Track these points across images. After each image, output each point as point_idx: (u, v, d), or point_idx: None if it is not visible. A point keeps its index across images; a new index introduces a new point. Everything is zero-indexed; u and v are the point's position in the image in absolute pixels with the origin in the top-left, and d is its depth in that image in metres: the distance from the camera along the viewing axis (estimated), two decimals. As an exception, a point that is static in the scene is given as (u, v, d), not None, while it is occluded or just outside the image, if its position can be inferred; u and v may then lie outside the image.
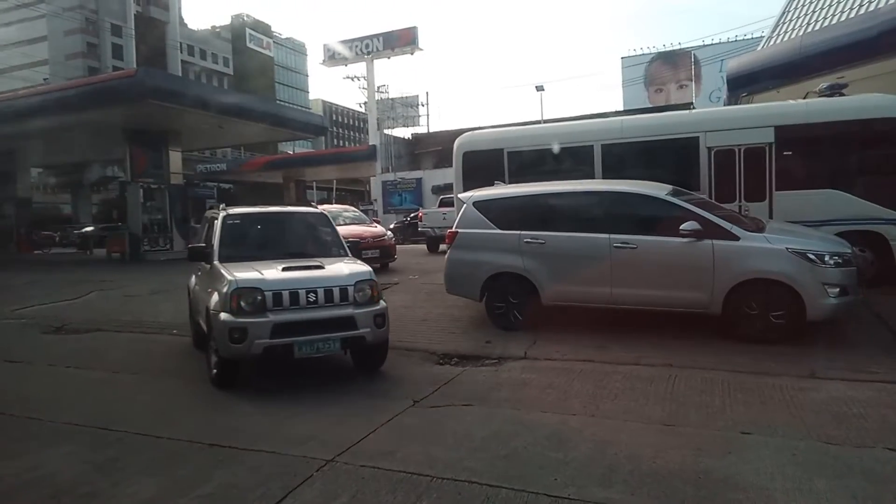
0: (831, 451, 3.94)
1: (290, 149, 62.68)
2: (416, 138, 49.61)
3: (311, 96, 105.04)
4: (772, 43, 21.51)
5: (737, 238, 6.73)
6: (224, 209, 7.00)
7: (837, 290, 6.45)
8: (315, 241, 7.16)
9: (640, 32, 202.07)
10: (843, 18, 18.23)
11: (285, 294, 5.58)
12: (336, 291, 5.75)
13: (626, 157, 10.64)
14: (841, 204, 9.22)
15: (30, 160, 31.43)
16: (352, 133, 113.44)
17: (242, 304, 5.50)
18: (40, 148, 27.64)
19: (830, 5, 19.78)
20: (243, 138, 34.05)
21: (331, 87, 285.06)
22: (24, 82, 49.54)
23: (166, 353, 7.86)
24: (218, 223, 6.65)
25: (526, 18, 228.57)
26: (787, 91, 15.47)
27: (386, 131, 46.43)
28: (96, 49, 68.44)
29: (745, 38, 46.07)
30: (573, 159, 11.04)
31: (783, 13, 22.48)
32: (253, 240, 6.96)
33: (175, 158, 24.79)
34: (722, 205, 8.39)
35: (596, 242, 7.32)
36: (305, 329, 5.58)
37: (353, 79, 46.98)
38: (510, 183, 10.71)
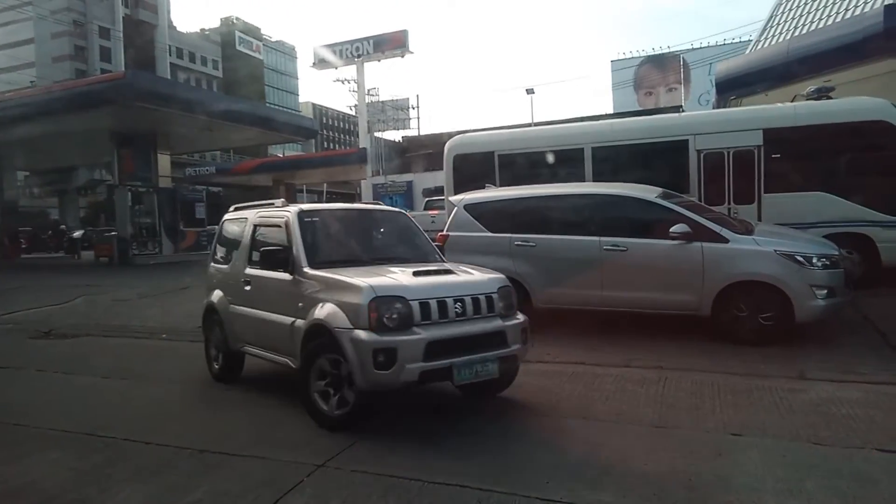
0: (821, 453, 3.96)
1: (279, 152, 62.52)
2: (407, 141, 49.66)
3: (302, 99, 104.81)
4: (760, 47, 21.70)
5: (726, 240, 6.76)
6: (283, 205, 5.90)
7: (825, 291, 6.50)
8: (406, 242, 6.06)
9: (630, 36, 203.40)
10: (829, 22, 18.41)
11: (433, 304, 4.51)
12: (483, 300, 4.77)
13: (616, 160, 10.68)
14: (828, 206, 9.29)
15: (16, 164, 31.17)
16: (342, 136, 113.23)
17: (384, 317, 4.36)
18: (26, 151, 27.41)
19: (817, 9, 19.98)
20: (233, 142, 33.98)
21: (321, 90, 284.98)
22: (9, 85, 49.06)
23: (155, 357, 7.81)
24: (293, 223, 5.40)
25: (516, 22, 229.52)
26: (776, 94, 15.59)
27: (376, 134, 46.45)
28: (84, 52, 67.97)
29: (734, 41, 46.50)
30: (564, 162, 11.08)
31: (771, 17, 22.69)
32: (340, 242, 5.84)
33: (163, 161, 24.70)
34: (711, 207, 8.44)
35: (587, 245, 7.34)
36: (461, 348, 4.55)
37: (343, 82, 47.04)
38: (501, 186, 10.72)
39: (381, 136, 47.46)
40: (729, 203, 9.82)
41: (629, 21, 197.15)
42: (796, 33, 19.71)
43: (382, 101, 50.24)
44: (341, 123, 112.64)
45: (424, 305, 4.48)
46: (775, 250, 6.64)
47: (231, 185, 48.97)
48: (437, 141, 24.92)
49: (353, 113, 55.59)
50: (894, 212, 9.06)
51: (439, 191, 17.77)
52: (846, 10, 18.37)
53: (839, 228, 9.05)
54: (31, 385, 6.70)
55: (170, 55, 73.32)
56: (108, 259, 23.02)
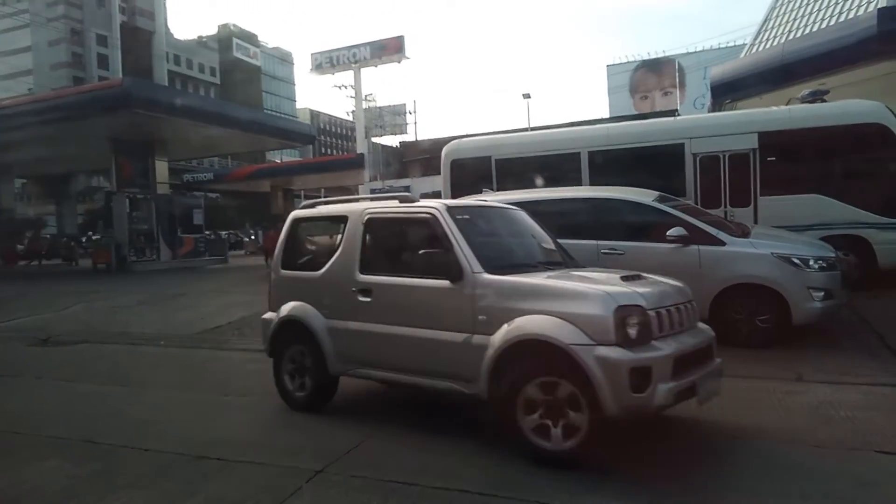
0: (820, 455, 3.97)
1: (277, 158, 62.56)
2: (404, 146, 49.64)
3: (299, 105, 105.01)
4: (754, 50, 21.83)
5: (723, 243, 6.78)
6: (407, 200, 5.12)
7: (822, 293, 6.52)
8: (542, 243, 5.41)
9: (625, 40, 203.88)
10: (824, 26, 18.53)
11: (664, 314, 3.98)
12: (692, 308, 4.37)
13: (612, 163, 10.71)
14: (824, 209, 9.32)
15: (14, 171, 31.15)
16: (340, 141, 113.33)
17: (629, 330, 3.76)
18: (24, 158, 27.40)
19: (811, 13, 20.11)
20: (231, 148, 34.00)
21: (318, 96, 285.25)
22: (7, 93, 49.10)
23: (154, 364, 7.79)
24: (446, 220, 4.58)
25: (512, 27, 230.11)
26: (770, 97, 15.66)
27: (374, 139, 46.46)
28: (81, 59, 68.12)
29: (729, 45, 46.74)
30: (560, 166, 11.11)
31: (765, 21, 22.83)
32: (497, 243, 5.09)
33: (161, 168, 24.71)
34: (707, 210, 8.46)
35: (584, 249, 7.32)
36: (695, 363, 4.03)
37: (340, 87, 47.04)
38: (498, 190, 10.74)
39: (378, 142, 47.49)
40: (725, 206, 9.85)
41: (624, 25, 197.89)
42: (791, 37, 19.84)
43: (380, 107, 50.28)
44: (339, 129, 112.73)
45: (659, 316, 3.94)
46: (772, 253, 6.66)
47: (229, 192, 49.05)
48: (435, 146, 24.95)
49: (351, 118, 55.63)
50: (890, 213, 9.10)
51: (437, 196, 17.80)
52: (840, 13, 18.50)
53: (835, 231, 9.08)
54: (29, 393, 6.68)
55: (167, 62, 73.46)
56: (106, 266, 22.99)
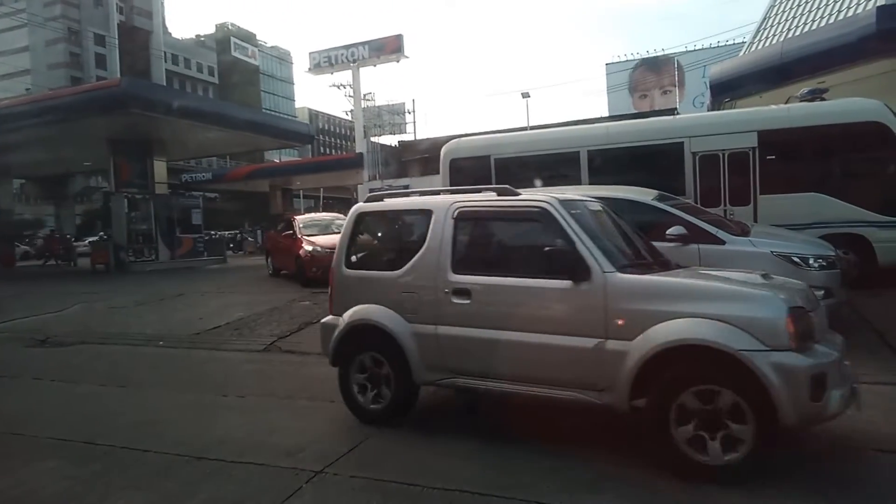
0: (820, 455, 3.98)
1: (276, 157, 62.50)
2: (403, 146, 49.61)
3: (298, 104, 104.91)
4: (753, 48, 21.83)
5: (722, 242, 6.78)
6: (505, 192, 4.61)
7: (822, 292, 6.49)
8: (645, 244, 5.06)
9: (624, 39, 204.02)
10: (822, 24, 18.53)
11: (814, 316, 3.80)
12: (823, 309, 4.23)
13: (612, 162, 10.71)
14: (824, 207, 9.32)
15: (11, 171, 31.10)
16: (338, 141, 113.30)
17: (801, 334, 3.53)
18: (22, 159, 27.35)
19: (810, 11, 20.11)
20: (229, 147, 33.94)
21: (317, 95, 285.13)
22: (5, 93, 49.03)
23: (152, 365, 7.78)
24: (562, 215, 4.21)
25: (511, 25, 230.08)
26: (770, 96, 15.66)
27: (372, 139, 46.41)
28: (79, 59, 67.96)
29: (727, 43, 46.65)
30: (560, 165, 11.11)
31: (764, 19, 22.83)
32: (612, 241, 4.60)
33: (159, 168, 24.66)
34: (707, 209, 8.46)
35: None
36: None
37: (339, 87, 47.00)
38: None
39: (377, 141, 47.46)
40: (725, 205, 9.85)
41: (623, 24, 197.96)
42: (790, 35, 19.83)
43: (378, 106, 50.27)
44: (337, 128, 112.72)
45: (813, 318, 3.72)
46: (772, 251, 6.66)
47: (227, 192, 49.02)
48: (434, 145, 24.96)
49: (350, 118, 55.62)
50: (889, 212, 9.10)
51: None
52: (839, 11, 18.50)
53: (835, 229, 9.08)
54: (28, 394, 6.67)
55: (165, 61, 73.37)
56: (104, 266, 22.95)
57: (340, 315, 5.00)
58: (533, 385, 4.16)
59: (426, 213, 4.77)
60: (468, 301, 4.39)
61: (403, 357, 4.61)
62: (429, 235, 4.66)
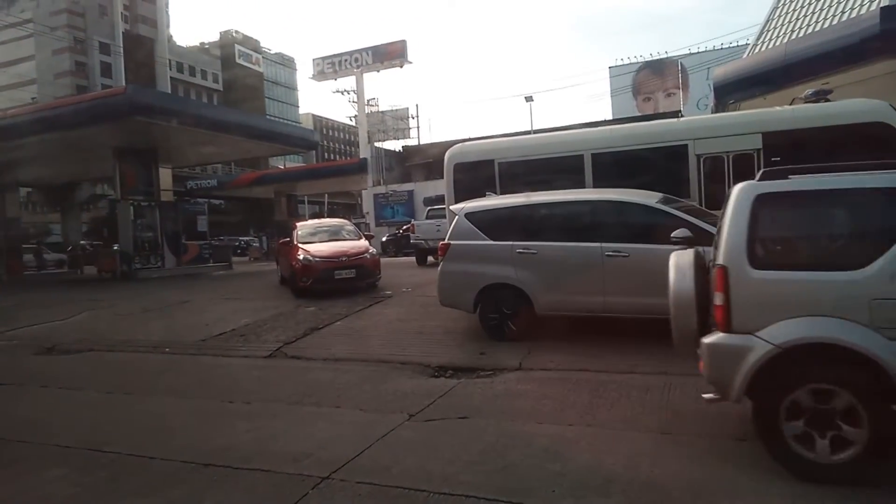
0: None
1: (280, 163, 62.73)
2: (407, 151, 49.79)
3: (302, 111, 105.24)
4: (757, 50, 21.78)
5: (728, 244, 6.73)
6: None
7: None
8: None
9: (628, 42, 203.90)
10: (826, 25, 18.48)
11: None
12: None
13: (616, 165, 10.68)
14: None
15: (18, 179, 31.25)
16: (343, 147, 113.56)
17: None
18: (29, 167, 27.50)
19: (814, 13, 20.07)
20: (234, 154, 34.03)
21: (321, 102, 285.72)
22: (11, 102, 49.33)
23: (159, 371, 7.80)
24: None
25: (514, 29, 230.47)
26: (774, 97, 15.61)
27: (377, 144, 46.60)
28: (85, 67, 68.43)
29: (731, 45, 46.71)
30: (564, 169, 11.08)
31: (767, 21, 22.78)
32: None
33: (165, 175, 24.75)
34: (712, 212, 8.43)
35: (588, 251, 7.33)
36: None
37: (342, 93, 47.29)
38: (502, 194, 10.73)
39: (381, 146, 47.60)
40: (730, 207, 9.80)
41: (626, 27, 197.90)
42: (793, 37, 19.77)
43: (382, 112, 50.46)
44: (342, 134, 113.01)
45: None
46: (776, 253, 6.60)
47: (233, 198, 49.21)
48: (438, 150, 25.00)
49: (354, 123, 55.83)
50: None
51: (440, 200, 17.80)
52: (842, 12, 18.45)
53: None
54: (35, 401, 6.69)
55: (170, 69, 73.73)
56: (110, 274, 23.03)
57: (752, 333, 3.75)
58: None
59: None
60: None
61: (878, 385, 3.46)
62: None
